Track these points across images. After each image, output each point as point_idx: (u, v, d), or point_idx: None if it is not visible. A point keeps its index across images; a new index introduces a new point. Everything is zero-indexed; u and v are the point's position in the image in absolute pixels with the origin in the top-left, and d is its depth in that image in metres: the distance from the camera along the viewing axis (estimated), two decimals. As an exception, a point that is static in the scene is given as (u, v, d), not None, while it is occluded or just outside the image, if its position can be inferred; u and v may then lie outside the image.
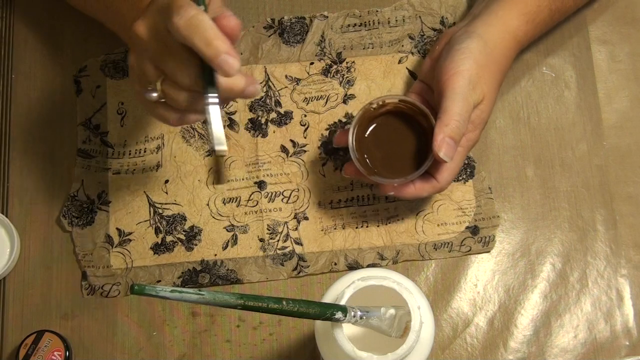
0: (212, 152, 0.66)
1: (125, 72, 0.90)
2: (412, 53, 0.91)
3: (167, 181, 0.88)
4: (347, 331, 0.61)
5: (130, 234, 0.86)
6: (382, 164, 0.81)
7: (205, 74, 0.66)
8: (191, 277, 0.85)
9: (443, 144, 0.75)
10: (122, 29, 0.78)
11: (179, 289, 0.56)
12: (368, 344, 0.63)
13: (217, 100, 0.66)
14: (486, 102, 0.79)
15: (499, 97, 0.81)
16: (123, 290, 0.85)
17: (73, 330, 0.84)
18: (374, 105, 0.80)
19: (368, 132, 0.82)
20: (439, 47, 0.83)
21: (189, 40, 0.63)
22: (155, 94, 0.68)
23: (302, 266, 0.85)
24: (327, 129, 0.89)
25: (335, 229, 0.86)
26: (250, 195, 0.87)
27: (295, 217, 0.86)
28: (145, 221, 0.87)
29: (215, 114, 0.66)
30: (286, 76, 0.90)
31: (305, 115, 0.89)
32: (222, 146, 0.65)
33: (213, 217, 0.87)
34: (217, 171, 0.68)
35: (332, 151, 0.88)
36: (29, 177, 0.88)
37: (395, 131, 0.82)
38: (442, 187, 0.79)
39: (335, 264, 0.85)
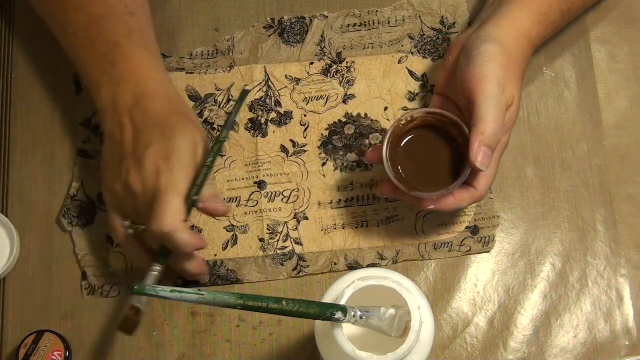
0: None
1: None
2: (412, 53, 0.91)
3: (167, 181, 0.87)
4: (347, 331, 0.61)
5: (130, 234, 0.86)
6: (417, 179, 0.79)
7: (162, 250, 0.76)
8: (191, 277, 0.85)
9: (479, 153, 0.74)
10: (92, 92, 0.81)
11: (179, 289, 0.56)
12: (368, 344, 0.63)
13: (157, 271, 0.76)
14: (516, 103, 0.77)
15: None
16: (123, 290, 0.85)
17: (73, 330, 0.84)
18: (403, 122, 0.79)
19: (400, 148, 0.80)
20: (451, 57, 0.81)
21: (163, 242, 0.74)
22: (131, 230, 0.78)
23: (302, 266, 0.85)
24: (327, 129, 0.89)
25: (335, 229, 0.86)
26: (250, 195, 0.87)
27: (295, 217, 0.86)
28: (145, 221, 0.87)
29: (149, 279, 0.76)
30: (286, 76, 0.90)
31: (305, 115, 0.89)
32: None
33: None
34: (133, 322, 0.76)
35: (332, 151, 0.88)
36: (29, 177, 0.88)
37: (427, 144, 0.80)
38: (482, 195, 0.78)
39: (335, 264, 0.85)
